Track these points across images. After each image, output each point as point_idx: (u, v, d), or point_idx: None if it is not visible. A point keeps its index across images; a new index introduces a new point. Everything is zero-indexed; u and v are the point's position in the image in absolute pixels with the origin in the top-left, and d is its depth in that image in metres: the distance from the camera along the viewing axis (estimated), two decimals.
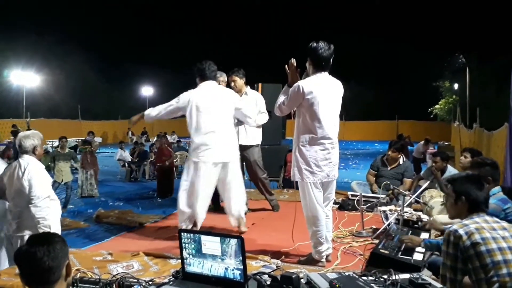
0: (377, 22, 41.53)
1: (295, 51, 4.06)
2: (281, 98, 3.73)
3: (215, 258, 2.61)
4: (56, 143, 11.51)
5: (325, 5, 42.98)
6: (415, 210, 5.13)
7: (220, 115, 4.52)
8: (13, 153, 14.99)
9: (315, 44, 3.59)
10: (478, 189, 2.56)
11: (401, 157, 6.42)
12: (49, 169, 12.10)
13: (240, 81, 5.67)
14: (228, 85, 5.56)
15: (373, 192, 6.21)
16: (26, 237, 3.31)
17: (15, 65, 24.82)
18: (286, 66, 3.74)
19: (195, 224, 4.54)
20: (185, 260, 2.72)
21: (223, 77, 5.80)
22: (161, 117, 4.81)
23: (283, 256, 3.91)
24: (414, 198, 5.08)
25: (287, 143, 8.27)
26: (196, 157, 4.45)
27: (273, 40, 42.61)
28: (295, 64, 3.72)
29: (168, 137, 11.33)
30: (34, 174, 3.55)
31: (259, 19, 45.24)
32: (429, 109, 30.39)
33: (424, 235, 3.94)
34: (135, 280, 2.84)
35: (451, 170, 5.59)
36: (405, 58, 37.02)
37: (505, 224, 2.47)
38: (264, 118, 5.57)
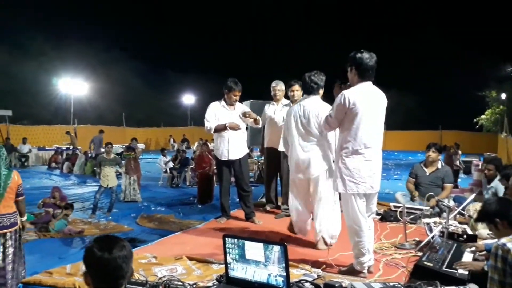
0: (421, 29, 40.82)
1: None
2: (327, 113, 3.86)
3: (258, 264, 2.65)
4: (102, 149, 11.92)
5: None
6: (460, 223, 4.99)
7: None
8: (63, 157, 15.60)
9: (359, 54, 3.62)
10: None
11: (439, 161, 6.26)
12: (94, 174, 12.59)
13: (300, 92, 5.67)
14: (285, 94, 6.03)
15: (413, 200, 6.08)
16: None
17: (64, 73, 25.84)
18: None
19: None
20: (228, 265, 2.78)
21: (279, 86, 6.03)
22: None
23: (324, 266, 3.90)
24: (459, 211, 4.94)
25: None
26: None
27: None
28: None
29: (209, 145, 11.48)
30: None
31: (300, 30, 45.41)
32: (475, 119, 29.40)
33: (468, 256, 3.77)
34: (181, 283, 2.92)
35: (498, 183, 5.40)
36: (449, 66, 36.11)
37: None
38: None
